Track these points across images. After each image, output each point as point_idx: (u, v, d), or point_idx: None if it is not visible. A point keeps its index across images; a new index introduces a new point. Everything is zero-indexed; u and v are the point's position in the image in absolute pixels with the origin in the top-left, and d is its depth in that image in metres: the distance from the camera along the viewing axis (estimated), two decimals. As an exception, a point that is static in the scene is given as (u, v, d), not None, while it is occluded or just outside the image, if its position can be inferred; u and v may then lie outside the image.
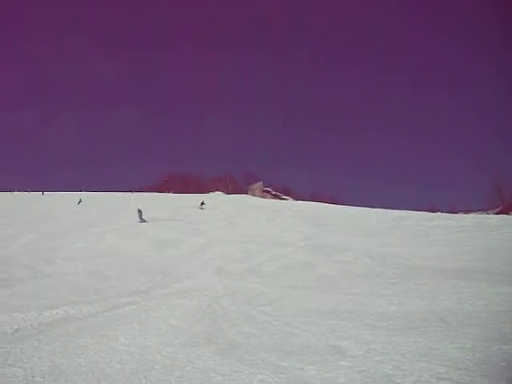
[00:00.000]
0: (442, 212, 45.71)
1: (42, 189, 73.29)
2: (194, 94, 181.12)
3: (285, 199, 72.87)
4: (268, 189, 77.19)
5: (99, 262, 19.03)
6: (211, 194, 78.14)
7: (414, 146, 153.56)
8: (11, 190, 75.05)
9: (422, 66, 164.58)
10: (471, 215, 46.08)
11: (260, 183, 77.85)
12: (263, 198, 70.72)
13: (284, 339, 8.14)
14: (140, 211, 36.43)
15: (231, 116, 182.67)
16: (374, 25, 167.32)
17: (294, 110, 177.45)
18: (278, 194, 77.02)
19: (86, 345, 7.92)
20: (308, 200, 64.70)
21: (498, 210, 68.61)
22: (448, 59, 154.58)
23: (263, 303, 11.42)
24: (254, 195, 72.59)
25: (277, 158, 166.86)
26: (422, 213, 42.44)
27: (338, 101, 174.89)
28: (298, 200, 68.50)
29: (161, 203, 53.48)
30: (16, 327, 9.15)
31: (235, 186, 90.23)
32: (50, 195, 64.49)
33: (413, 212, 42.57)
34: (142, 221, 35.47)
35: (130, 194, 69.09)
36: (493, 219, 34.85)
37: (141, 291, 13.07)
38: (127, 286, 13.85)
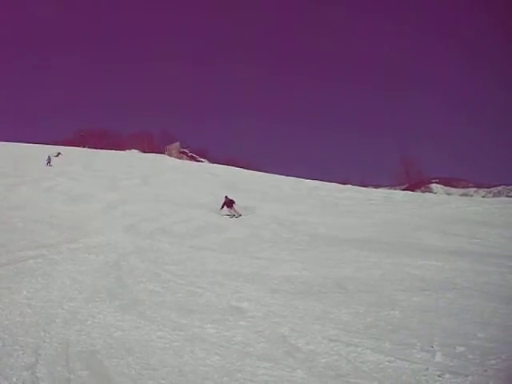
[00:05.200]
0: (352, 185, 46.94)
1: None
2: (118, 51, 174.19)
3: (201, 161, 72.64)
4: (185, 150, 76.42)
5: (8, 214, 18.25)
6: (127, 151, 76.49)
7: (330, 121, 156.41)
8: None
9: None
10: (379, 190, 47.79)
11: (177, 144, 76.78)
12: (180, 158, 70.02)
13: (187, 298, 8.28)
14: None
15: (152, 73, 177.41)
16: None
17: (213, 75, 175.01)
18: (194, 155, 76.55)
19: (-14, 297, 7.72)
20: (224, 164, 64.73)
21: (404, 186, 71.91)
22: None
23: (170, 262, 11.49)
24: (170, 155, 71.47)
25: (195, 119, 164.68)
26: (333, 184, 43.49)
27: (259, 67, 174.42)
28: (213, 163, 68.44)
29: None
30: None
31: (152, 144, 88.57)
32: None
33: (325, 183, 43.51)
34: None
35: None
36: (399, 195, 36.31)
37: (48, 245, 12.74)
38: (34, 240, 13.43)
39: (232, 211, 21.37)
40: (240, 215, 21.11)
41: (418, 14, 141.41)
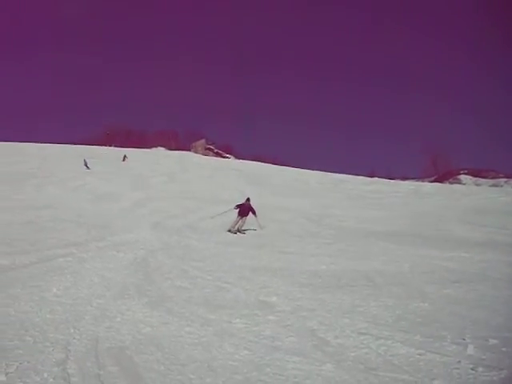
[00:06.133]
0: (379, 177, 46.60)
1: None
2: (141, 49, 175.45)
3: (227, 157, 73.03)
4: (211, 146, 76.87)
5: (37, 213, 18.50)
6: (153, 149, 77.12)
7: (357, 117, 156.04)
8: None
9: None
10: (407, 182, 47.36)
11: (203, 141, 77.31)
12: (205, 155, 70.37)
13: (214, 293, 8.27)
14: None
15: (177, 71, 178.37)
16: None
17: (240, 71, 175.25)
18: (220, 152, 77.00)
19: (17, 295, 7.78)
20: (249, 160, 64.82)
21: (432, 178, 71.11)
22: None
23: (197, 258, 11.51)
24: (196, 152, 72.01)
25: (221, 116, 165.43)
26: (360, 177, 43.31)
27: (286, 61, 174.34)
28: (239, 159, 68.61)
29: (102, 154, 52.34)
30: None
31: (178, 142, 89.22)
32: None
33: (351, 176, 43.35)
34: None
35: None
36: (426, 187, 36.04)
37: (76, 243, 12.84)
38: (63, 238, 13.55)
39: (240, 223, 16.70)
40: (242, 232, 16.38)
41: (429, 19, 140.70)
